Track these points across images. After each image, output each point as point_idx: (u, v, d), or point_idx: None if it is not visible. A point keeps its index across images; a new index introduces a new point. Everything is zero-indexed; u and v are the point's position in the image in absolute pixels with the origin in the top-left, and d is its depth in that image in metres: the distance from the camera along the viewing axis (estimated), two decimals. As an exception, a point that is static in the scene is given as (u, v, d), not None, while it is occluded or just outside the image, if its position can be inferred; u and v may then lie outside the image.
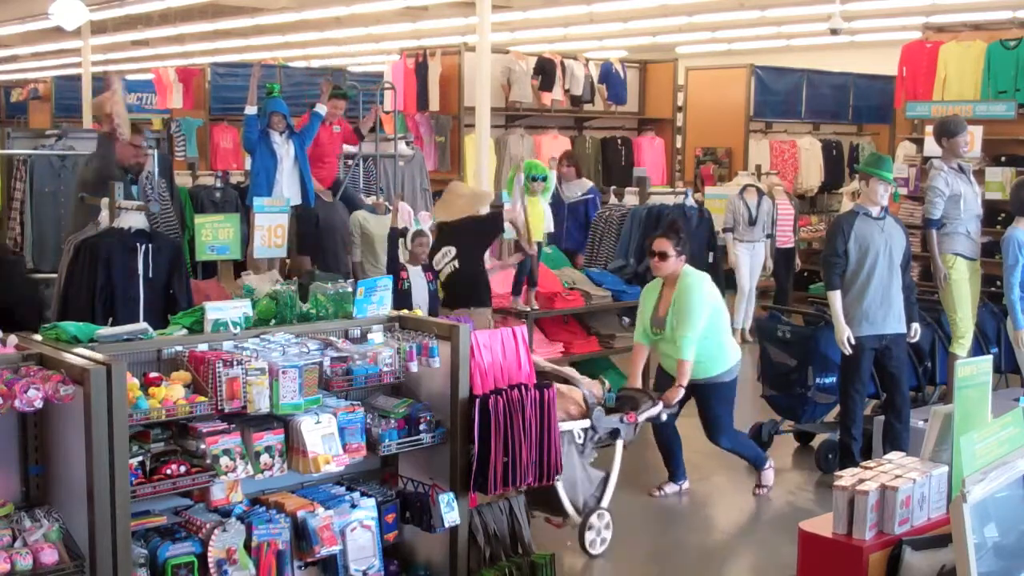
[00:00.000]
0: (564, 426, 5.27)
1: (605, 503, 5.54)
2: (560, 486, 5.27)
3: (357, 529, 4.08)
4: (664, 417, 5.92)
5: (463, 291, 6.86)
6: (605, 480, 5.59)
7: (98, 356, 3.52)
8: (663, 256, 6.14)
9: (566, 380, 5.57)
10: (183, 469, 3.65)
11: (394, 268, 6.92)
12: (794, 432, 7.55)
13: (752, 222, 10.38)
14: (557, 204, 10.34)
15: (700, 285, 6.11)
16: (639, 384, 6.26)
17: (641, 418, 5.70)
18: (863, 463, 3.51)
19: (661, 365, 6.30)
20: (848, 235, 6.36)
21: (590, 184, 10.86)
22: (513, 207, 7.73)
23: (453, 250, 6.80)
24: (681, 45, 19.87)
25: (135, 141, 6.96)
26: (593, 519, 5.44)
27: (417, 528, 4.39)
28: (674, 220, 6.58)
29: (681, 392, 6.00)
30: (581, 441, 5.43)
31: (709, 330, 6.08)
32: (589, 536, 5.42)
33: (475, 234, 7.03)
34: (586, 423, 5.44)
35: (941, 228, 7.56)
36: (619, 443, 5.65)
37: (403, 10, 16.30)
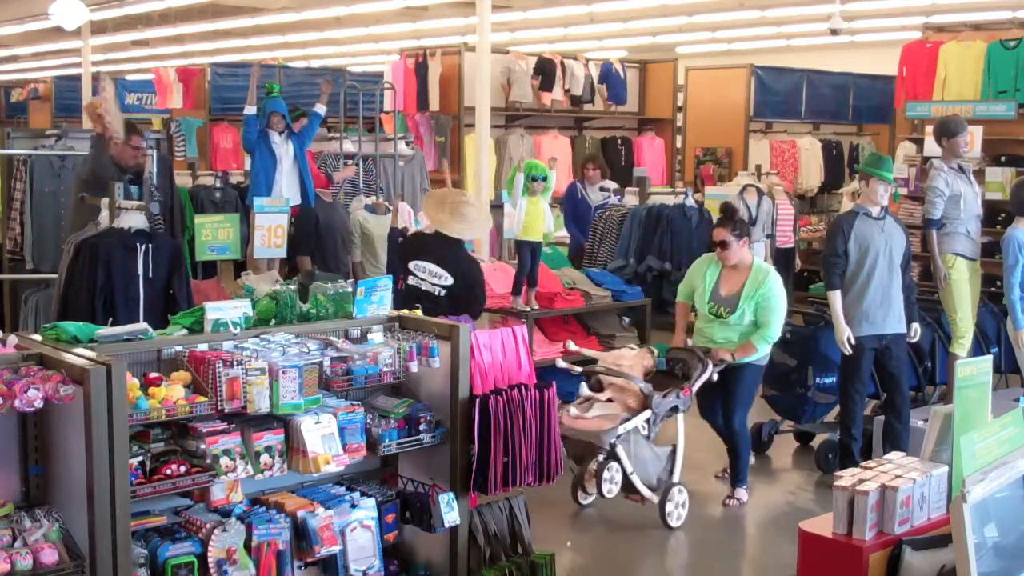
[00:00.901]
0: (629, 424, 5.73)
1: (677, 476, 6.03)
2: (635, 477, 5.75)
3: (357, 529, 4.08)
4: (716, 377, 6.14)
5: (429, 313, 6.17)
6: (673, 454, 6.04)
7: (98, 356, 3.52)
8: (724, 245, 6.20)
9: (620, 375, 5.94)
10: (183, 469, 3.65)
11: (394, 268, 6.91)
12: (794, 432, 7.56)
13: (752, 222, 10.35)
14: (584, 208, 10.34)
15: (781, 288, 6.24)
16: (683, 339, 6.46)
17: (695, 387, 6.05)
18: (863, 463, 3.51)
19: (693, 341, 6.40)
20: (848, 235, 6.37)
21: (613, 184, 10.84)
22: (513, 206, 7.73)
23: (446, 278, 6.10)
24: (681, 45, 19.87)
25: (134, 143, 6.93)
26: (673, 492, 5.94)
27: (417, 528, 4.39)
28: (728, 204, 6.59)
29: (728, 357, 6.13)
30: (646, 432, 5.85)
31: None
32: (668, 508, 5.91)
33: (470, 288, 6.25)
34: (647, 414, 5.82)
35: (941, 228, 7.57)
36: (680, 416, 6.07)
37: (403, 10, 16.31)
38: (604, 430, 5.64)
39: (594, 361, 6.30)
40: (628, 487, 5.82)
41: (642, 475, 5.84)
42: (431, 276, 6.10)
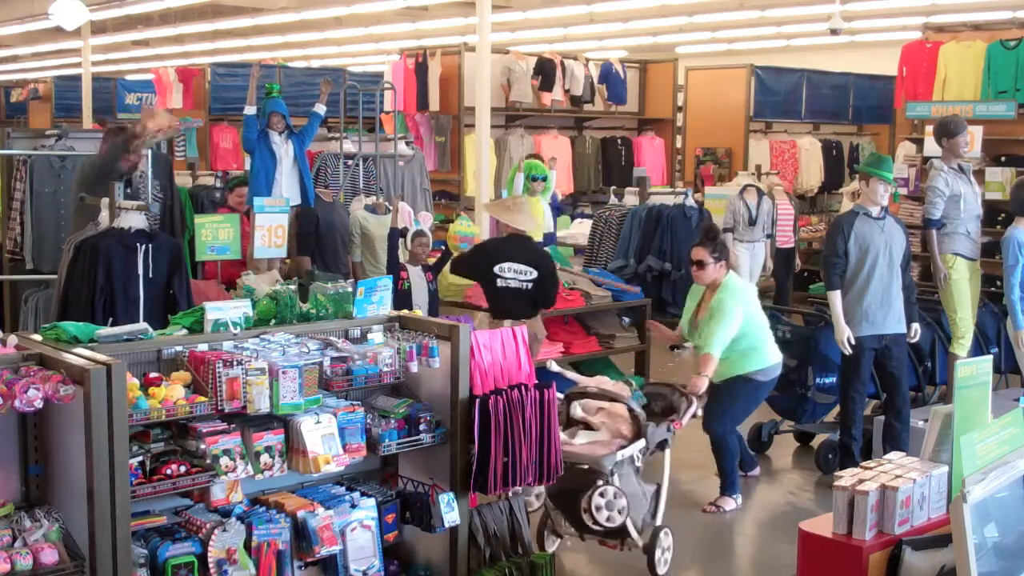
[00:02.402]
0: (625, 452, 5.09)
1: (659, 519, 5.37)
2: (629, 521, 5.04)
3: (357, 529, 4.08)
4: (700, 412, 5.82)
5: (520, 307, 6.78)
6: (657, 493, 5.39)
7: (98, 356, 3.52)
8: (700, 265, 6.08)
9: (612, 398, 5.36)
10: (183, 469, 3.65)
11: (394, 268, 6.92)
12: (794, 432, 7.55)
13: (752, 222, 10.38)
14: None
15: (737, 293, 6.06)
16: (676, 336, 6.40)
17: (685, 421, 5.57)
18: (863, 463, 3.51)
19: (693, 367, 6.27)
20: (848, 235, 6.36)
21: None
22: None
23: (532, 272, 6.68)
24: (681, 45, 19.88)
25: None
26: (660, 537, 5.27)
27: (417, 528, 4.40)
28: (710, 226, 6.46)
29: (705, 382, 5.82)
30: (639, 463, 5.24)
31: (742, 332, 6.03)
32: (657, 554, 5.25)
33: (552, 275, 6.92)
34: (642, 443, 5.20)
35: (941, 228, 7.56)
36: (667, 452, 5.48)
37: (403, 10, 16.31)
38: (603, 455, 5.01)
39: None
40: (611, 532, 5.12)
41: (632, 515, 5.11)
42: (518, 274, 6.61)
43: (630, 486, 5.13)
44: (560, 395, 5.29)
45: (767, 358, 6.18)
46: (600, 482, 4.96)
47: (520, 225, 6.78)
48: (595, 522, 4.96)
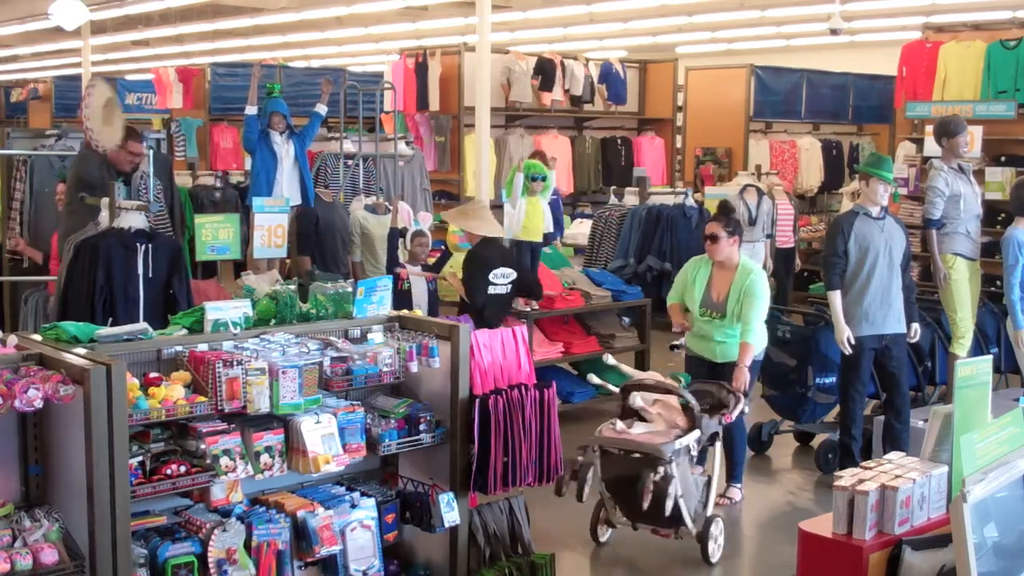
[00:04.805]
0: (682, 441, 5.25)
1: (711, 509, 5.58)
2: (683, 504, 5.26)
3: (357, 529, 4.08)
4: (748, 409, 5.90)
5: (502, 312, 7.01)
6: (708, 484, 5.60)
7: (98, 356, 3.52)
8: (714, 239, 6.12)
9: (667, 390, 5.50)
10: (183, 469, 3.65)
11: (394, 268, 6.93)
12: (794, 432, 7.55)
13: (752, 222, 10.37)
14: None
15: (763, 278, 6.16)
16: (683, 320, 6.27)
17: (734, 416, 5.71)
18: (863, 463, 3.51)
19: (691, 349, 6.27)
20: (848, 235, 6.36)
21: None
22: (512, 206, 7.74)
23: (513, 274, 6.93)
24: (681, 45, 19.88)
25: (130, 147, 6.91)
26: (712, 529, 5.46)
27: (417, 528, 4.40)
28: (725, 202, 6.58)
29: (747, 375, 5.87)
30: (695, 452, 5.41)
31: None
32: (711, 546, 5.44)
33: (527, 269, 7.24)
34: (697, 434, 5.37)
35: (941, 228, 7.57)
36: (718, 445, 5.67)
37: (403, 10, 16.31)
38: (661, 442, 5.15)
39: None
40: (663, 521, 5.36)
41: (686, 503, 5.36)
42: (504, 279, 6.69)
43: (685, 476, 5.31)
44: (615, 388, 5.64)
45: (761, 343, 6.22)
46: (660, 468, 5.09)
47: (482, 231, 6.76)
48: (655, 506, 5.10)
